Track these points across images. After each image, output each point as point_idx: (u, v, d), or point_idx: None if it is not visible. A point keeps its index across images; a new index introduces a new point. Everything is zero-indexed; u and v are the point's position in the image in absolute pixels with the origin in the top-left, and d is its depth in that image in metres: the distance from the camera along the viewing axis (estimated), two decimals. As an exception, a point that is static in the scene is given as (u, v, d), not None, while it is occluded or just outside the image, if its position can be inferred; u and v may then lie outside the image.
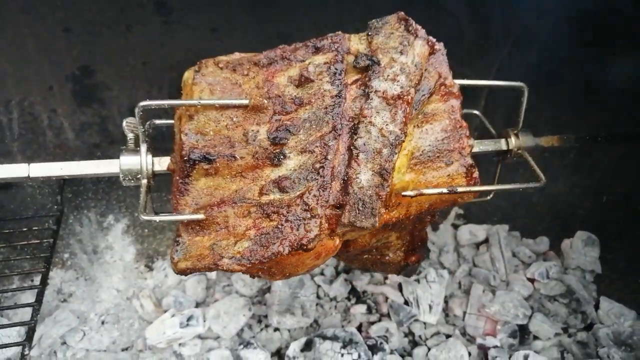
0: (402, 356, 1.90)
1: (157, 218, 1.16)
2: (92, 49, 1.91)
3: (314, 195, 1.13)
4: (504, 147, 1.50)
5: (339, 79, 1.20)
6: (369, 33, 1.26)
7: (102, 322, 1.92)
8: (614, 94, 2.04)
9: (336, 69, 1.21)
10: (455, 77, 1.32)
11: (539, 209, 2.39)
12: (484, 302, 2.01)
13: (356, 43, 1.27)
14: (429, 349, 1.91)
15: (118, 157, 1.24)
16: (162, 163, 1.28)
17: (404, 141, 1.17)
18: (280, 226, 1.13)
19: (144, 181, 1.23)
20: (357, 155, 1.14)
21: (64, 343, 1.85)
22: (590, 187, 2.31)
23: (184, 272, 1.17)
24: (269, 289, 2.02)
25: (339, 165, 1.15)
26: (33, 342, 1.74)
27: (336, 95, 1.19)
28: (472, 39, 2.06)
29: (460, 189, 1.25)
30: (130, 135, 1.27)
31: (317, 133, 1.16)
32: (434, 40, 1.28)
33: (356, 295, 2.08)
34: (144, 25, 1.91)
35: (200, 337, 1.89)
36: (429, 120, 1.27)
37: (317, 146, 1.15)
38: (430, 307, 2.00)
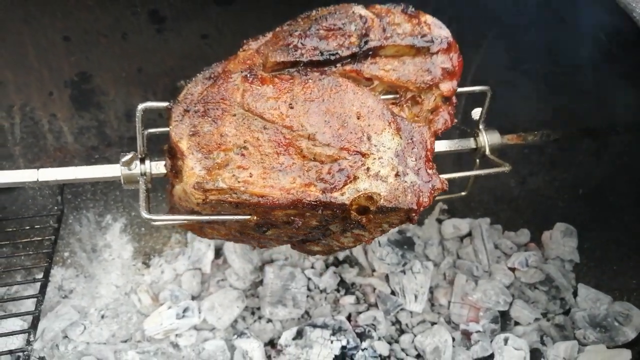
0: (390, 343, 1.99)
1: (161, 218, 1.37)
2: (90, 56, 2.02)
3: (285, 239, 1.42)
4: (473, 146, 1.60)
5: (326, 226, 1.30)
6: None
7: (102, 317, 2.00)
8: (585, 91, 2.16)
9: (326, 221, 1.26)
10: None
11: (520, 202, 2.49)
12: (467, 291, 2.11)
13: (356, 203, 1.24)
14: (415, 336, 2.00)
15: (115, 159, 1.33)
16: (159, 167, 1.34)
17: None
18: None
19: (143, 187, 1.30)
20: (316, 241, 1.42)
21: (66, 337, 1.93)
22: (567, 181, 2.41)
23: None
24: (261, 282, 2.11)
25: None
26: (36, 335, 1.83)
27: (321, 230, 1.31)
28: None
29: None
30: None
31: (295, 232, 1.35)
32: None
33: (345, 287, 2.17)
34: (138, 33, 2.02)
35: (195, 328, 1.97)
36: None
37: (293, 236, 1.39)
38: (416, 296, 2.09)
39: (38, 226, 1.98)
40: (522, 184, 2.51)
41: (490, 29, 2.16)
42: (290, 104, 1.19)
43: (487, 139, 1.57)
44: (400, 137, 1.26)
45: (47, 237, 1.91)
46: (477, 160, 1.62)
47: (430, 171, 1.28)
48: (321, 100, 1.21)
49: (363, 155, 1.21)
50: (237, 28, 2.05)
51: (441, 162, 1.60)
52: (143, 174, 1.26)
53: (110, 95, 2.12)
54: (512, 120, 2.38)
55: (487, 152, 1.56)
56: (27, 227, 2.00)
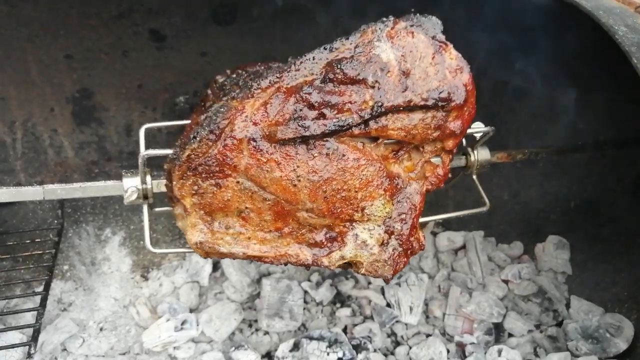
0: (385, 355, 2.01)
1: (165, 251, 1.38)
2: (91, 73, 2.06)
3: None
4: (463, 164, 1.66)
5: None
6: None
7: (101, 329, 2.02)
8: (571, 110, 2.21)
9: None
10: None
11: (513, 215, 2.53)
12: (461, 303, 2.14)
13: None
14: (410, 348, 2.03)
15: (114, 174, 1.38)
16: (160, 186, 1.38)
17: None
18: None
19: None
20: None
21: (65, 349, 1.95)
22: (559, 194, 2.46)
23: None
24: (258, 295, 2.14)
25: None
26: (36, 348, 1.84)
27: None
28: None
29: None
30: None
31: None
32: None
33: (341, 300, 2.20)
34: (139, 51, 2.07)
35: (193, 340, 1.99)
36: None
37: None
38: (411, 308, 2.12)
39: (38, 240, 2.01)
40: (515, 197, 2.55)
41: (480, 51, 2.21)
42: (294, 182, 1.21)
43: (477, 160, 1.62)
44: (392, 204, 1.30)
45: (47, 251, 1.94)
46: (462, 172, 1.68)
47: (412, 238, 1.32)
48: (324, 177, 1.22)
49: (354, 221, 1.26)
50: (236, 46, 2.10)
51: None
52: (145, 196, 1.30)
53: (110, 111, 2.16)
54: (503, 135, 2.44)
55: (474, 176, 1.63)
56: (28, 241, 2.02)
